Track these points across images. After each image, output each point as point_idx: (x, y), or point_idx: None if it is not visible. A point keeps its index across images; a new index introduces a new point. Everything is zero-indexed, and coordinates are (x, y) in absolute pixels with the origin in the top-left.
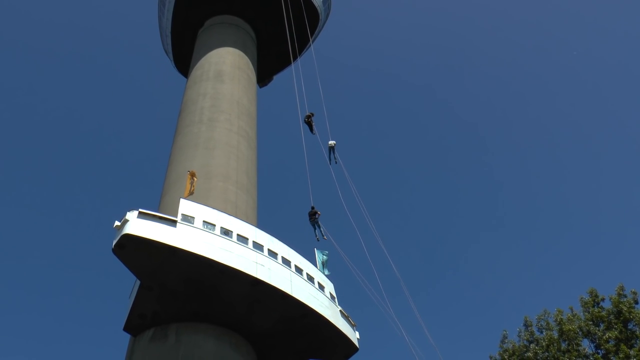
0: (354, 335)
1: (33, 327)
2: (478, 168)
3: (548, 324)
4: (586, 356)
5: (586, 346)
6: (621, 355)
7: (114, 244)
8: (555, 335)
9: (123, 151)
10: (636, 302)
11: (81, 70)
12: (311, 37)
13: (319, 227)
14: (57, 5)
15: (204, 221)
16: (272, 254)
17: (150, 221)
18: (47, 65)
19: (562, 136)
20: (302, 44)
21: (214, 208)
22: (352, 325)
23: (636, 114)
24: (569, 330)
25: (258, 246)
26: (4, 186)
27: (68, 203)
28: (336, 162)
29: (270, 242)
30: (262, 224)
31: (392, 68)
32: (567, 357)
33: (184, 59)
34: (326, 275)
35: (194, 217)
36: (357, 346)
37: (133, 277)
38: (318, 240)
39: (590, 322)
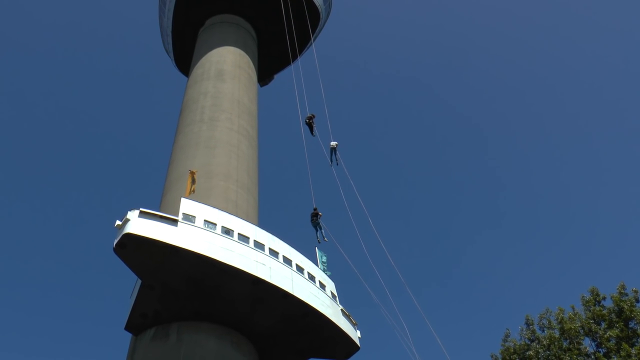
0: (355, 334)
1: (35, 326)
2: (479, 167)
3: (550, 322)
4: (587, 355)
5: (587, 345)
6: (623, 354)
7: (115, 243)
8: (557, 334)
9: (124, 150)
10: (637, 301)
11: (82, 70)
12: (312, 36)
13: (320, 228)
14: (58, 5)
15: (205, 220)
16: (273, 253)
17: (152, 220)
18: (48, 65)
19: (564, 135)
20: (303, 43)
21: (215, 207)
22: (353, 324)
23: (637, 113)
24: (570, 329)
25: (259, 245)
26: (5, 185)
27: (69, 202)
28: (337, 164)
29: (271, 241)
30: (263, 223)
31: (393, 67)
32: (568, 356)
33: (185, 58)
34: (327, 275)
35: (195, 216)
36: (359, 345)
37: (134, 277)
38: (319, 242)
39: (592, 321)
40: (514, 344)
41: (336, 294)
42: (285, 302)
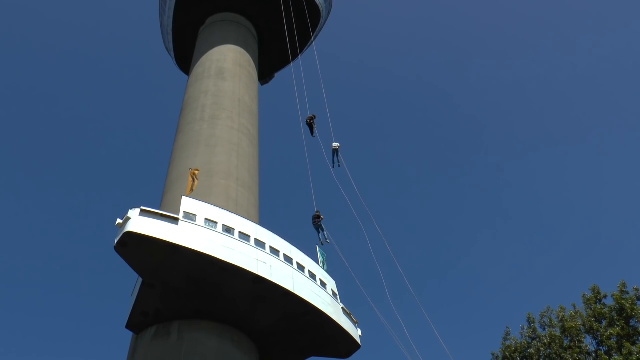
0: (356, 333)
1: (36, 325)
2: (481, 165)
3: (551, 320)
4: (588, 353)
5: (588, 343)
6: (625, 352)
7: (116, 241)
8: (558, 332)
9: (125, 149)
10: (638, 299)
11: (82, 69)
12: (312, 34)
13: (322, 230)
14: (58, 4)
15: (205, 219)
16: (274, 252)
17: (152, 219)
18: (49, 64)
19: (566, 132)
20: (304, 41)
21: (215, 206)
22: (354, 323)
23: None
24: (572, 327)
25: (260, 244)
26: (6, 185)
27: (70, 201)
28: (339, 165)
29: (272, 239)
30: (264, 222)
31: (394, 65)
32: (570, 354)
33: (186, 56)
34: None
35: (195, 215)
36: (359, 343)
37: (135, 275)
38: (322, 244)
39: (593, 319)
40: (515, 342)
41: (337, 293)
42: (286, 301)
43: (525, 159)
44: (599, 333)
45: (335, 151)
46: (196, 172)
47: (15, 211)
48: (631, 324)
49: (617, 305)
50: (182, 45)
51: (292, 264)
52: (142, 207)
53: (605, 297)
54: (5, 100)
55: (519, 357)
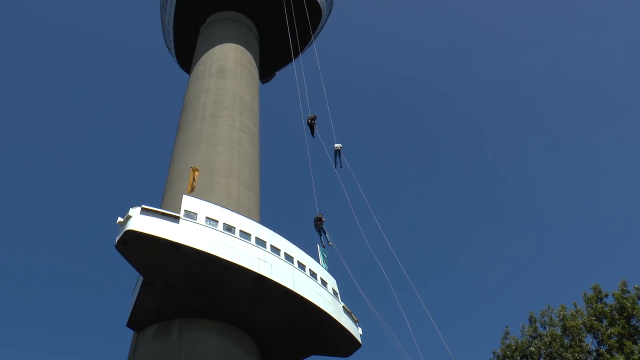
0: (356, 332)
1: (37, 323)
2: (481, 164)
3: (551, 319)
4: (589, 352)
5: (589, 342)
6: (626, 351)
7: (117, 240)
8: (558, 331)
9: (126, 148)
10: (639, 298)
11: (83, 68)
12: (313, 33)
13: (324, 233)
14: (58, 4)
15: (206, 217)
16: (275, 250)
17: (153, 217)
18: (49, 63)
19: (565, 132)
20: (305, 40)
21: (216, 204)
22: (355, 321)
23: (639, 111)
24: (572, 326)
25: (261, 242)
26: (7, 183)
27: (71, 200)
28: (341, 166)
29: (272, 238)
30: (264, 220)
31: (394, 65)
32: (570, 353)
33: (187, 54)
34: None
35: (196, 214)
36: (360, 342)
37: (136, 273)
38: (324, 247)
39: (594, 318)
40: (515, 341)
41: (338, 291)
42: (287, 299)
43: (526, 157)
44: (599, 332)
45: (338, 152)
46: (196, 172)
47: (17, 210)
48: (632, 323)
49: (618, 304)
50: (183, 43)
51: (292, 262)
52: (143, 206)
53: (606, 296)
54: (6, 100)
55: (519, 356)
